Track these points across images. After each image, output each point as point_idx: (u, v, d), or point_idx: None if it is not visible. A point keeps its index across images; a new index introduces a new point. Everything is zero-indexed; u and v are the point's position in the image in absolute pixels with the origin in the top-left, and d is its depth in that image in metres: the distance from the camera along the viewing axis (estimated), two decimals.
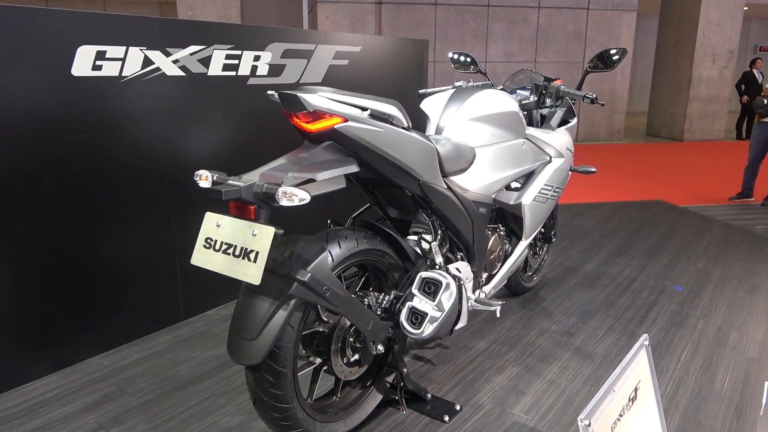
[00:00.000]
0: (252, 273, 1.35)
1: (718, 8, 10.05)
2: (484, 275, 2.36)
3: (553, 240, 3.06)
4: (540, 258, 3.10)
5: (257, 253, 1.36)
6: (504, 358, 2.40)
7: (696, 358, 2.41)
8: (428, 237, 1.95)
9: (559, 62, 9.81)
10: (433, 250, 1.93)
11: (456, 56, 2.84)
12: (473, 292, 2.18)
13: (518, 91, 2.75)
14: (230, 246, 1.40)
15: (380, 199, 2.01)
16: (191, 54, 2.54)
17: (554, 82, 2.61)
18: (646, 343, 1.56)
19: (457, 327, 2.01)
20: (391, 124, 1.68)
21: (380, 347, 1.80)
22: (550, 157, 2.60)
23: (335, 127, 1.52)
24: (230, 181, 1.40)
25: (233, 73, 2.74)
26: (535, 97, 2.62)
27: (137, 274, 2.51)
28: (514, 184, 2.51)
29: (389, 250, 1.84)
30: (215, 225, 1.44)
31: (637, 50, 15.82)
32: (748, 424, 1.97)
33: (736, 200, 5.62)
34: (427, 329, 1.79)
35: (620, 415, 1.38)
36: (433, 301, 1.80)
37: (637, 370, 1.50)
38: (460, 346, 2.49)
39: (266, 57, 2.87)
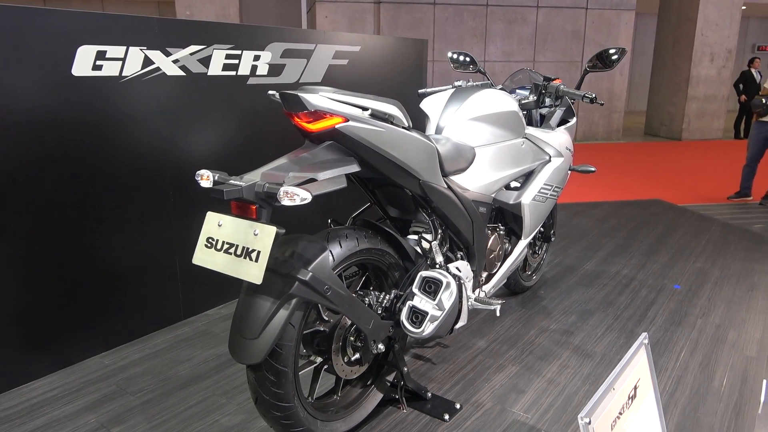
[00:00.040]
0: (253, 272, 1.36)
1: (717, 7, 10.07)
2: (484, 274, 2.36)
3: (553, 239, 3.07)
4: (539, 257, 3.11)
5: (259, 252, 1.36)
6: (504, 356, 2.41)
7: (695, 357, 2.42)
8: (428, 236, 1.96)
9: (558, 62, 9.82)
10: (434, 250, 1.94)
11: (455, 56, 2.85)
12: (473, 291, 2.19)
13: (517, 90, 2.76)
14: (232, 245, 1.41)
15: (380, 198, 2.02)
16: (191, 54, 2.54)
17: (553, 82, 2.62)
18: (646, 341, 1.56)
19: (458, 326, 2.02)
20: (392, 123, 1.69)
21: (381, 346, 1.81)
22: (550, 157, 2.60)
23: (336, 126, 1.52)
24: (232, 181, 1.40)
25: (233, 73, 2.75)
26: (535, 97, 2.63)
27: (137, 274, 2.52)
28: (513, 184, 2.52)
29: (390, 249, 1.84)
30: (217, 224, 1.45)
31: (635, 50, 15.84)
32: (746, 423, 1.98)
33: (735, 199, 5.63)
34: (428, 328, 1.79)
35: (620, 414, 1.39)
36: (434, 300, 1.81)
37: (636, 368, 1.50)
38: (460, 345, 2.50)
39: (266, 57, 2.87)
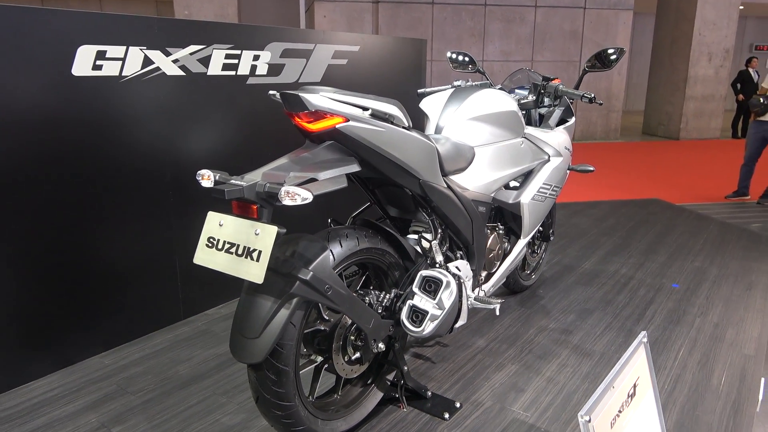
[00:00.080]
0: (255, 272, 1.36)
1: (714, 7, 10.09)
2: (484, 274, 2.37)
3: (552, 238, 3.08)
4: (538, 256, 3.12)
5: (260, 252, 1.37)
6: (503, 355, 2.42)
7: (693, 355, 2.43)
8: (428, 236, 1.97)
9: (556, 61, 9.83)
10: (434, 249, 1.94)
11: (455, 56, 2.86)
12: (473, 290, 2.20)
13: (516, 90, 2.77)
14: (233, 245, 1.41)
15: (380, 198, 2.02)
16: (191, 54, 2.54)
17: (553, 82, 2.63)
18: (645, 340, 1.57)
19: (457, 325, 2.03)
20: (392, 123, 1.69)
21: (381, 345, 1.82)
22: (549, 156, 2.61)
23: (337, 126, 1.53)
24: (233, 181, 1.41)
25: (233, 73, 2.75)
26: (534, 97, 2.63)
27: (137, 274, 2.52)
28: (512, 183, 2.53)
29: (390, 248, 1.85)
30: (218, 224, 1.45)
31: (633, 49, 15.86)
32: (745, 420, 1.99)
33: (732, 198, 5.65)
34: (428, 327, 1.80)
35: (619, 411, 1.40)
36: (434, 299, 1.82)
37: (636, 366, 1.51)
38: (460, 344, 2.50)
39: (265, 56, 2.87)
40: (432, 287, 1.84)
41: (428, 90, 2.54)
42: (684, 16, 10.32)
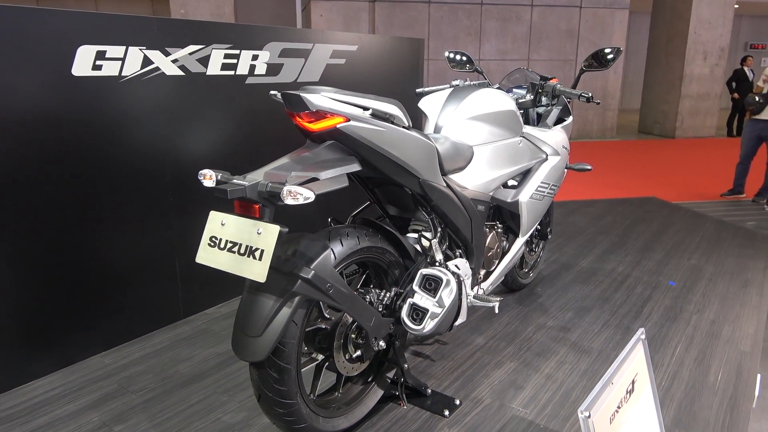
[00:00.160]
0: (257, 271, 1.38)
1: (710, 6, 10.13)
2: (482, 272, 2.39)
3: (549, 237, 3.10)
4: (536, 255, 3.14)
5: (262, 251, 1.38)
6: (502, 353, 2.43)
7: (690, 352, 2.45)
8: (428, 234, 1.98)
9: (552, 60, 9.86)
10: (433, 248, 1.96)
11: (452, 55, 2.87)
12: (472, 288, 2.21)
13: (514, 89, 2.78)
14: (235, 244, 1.42)
15: (380, 197, 2.04)
16: (190, 53, 2.55)
17: (550, 81, 2.65)
18: (643, 336, 1.59)
19: (457, 323, 2.04)
20: (392, 123, 1.71)
21: (382, 343, 1.83)
22: (547, 155, 2.63)
23: (337, 126, 1.54)
24: (235, 180, 1.42)
25: (232, 73, 2.76)
26: (532, 96, 2.65)
27: (137, 274, 2.52)
28: (511, 182, 2.54)
29: (390, 247, 1.86)
30: (220, 224, 1.46)
31: (629, 48, 15.90)
32: (741, 416, 2.02)
33: (728, 197, 5.69)
34: (428, 325, 1.81)
35: (618, 408, 1.42)
36: (434, 297, 1.83)
37: (634, 363, 1.53)
38: (459, 342, 2.52)
39: (264, 56, 2.88)
40: (432, 285, 1.85)
41: (427, 89, 2.55)
42: (679, 15, 10.36)
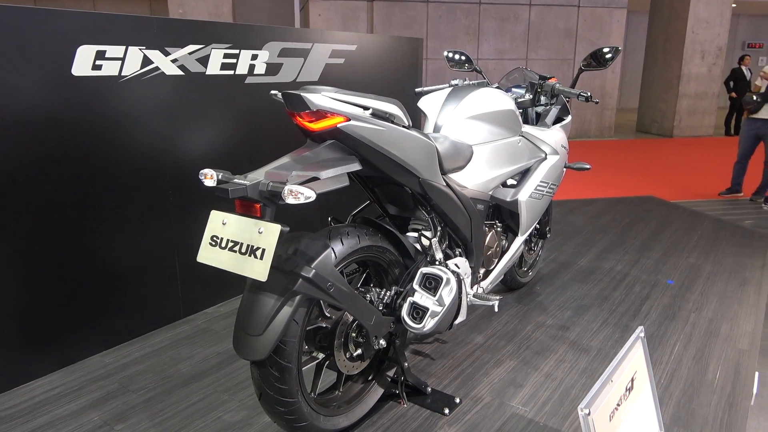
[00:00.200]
0: (258, 270, 1.38)
1: (707, 5, 10.16)
2: (482, 271, 2.40)
3: (548, 236, 3.11)
4: (535, 254, 3.14)
5: (263, 250, 1.38)
6: (501, 352, 2.44)
7: (688, 350, 2.46)
8: (428, 233, 1.99)
9: (551, 59, 9.87)
10: (433, 247, 1.96)
11: (451, 55, 2.88)
12: (471, 287, 2.22)
13: (513, 89, 2.79)
14: (236, 243, 1.43)
15: (380, 196, 2.04)
16: (190, 53, 2.55)
17: (549, 81, 2.66)
18: (642, 334, 1.60)
19: (457, 321, 2.05)
20: (393, 122, 1.71)
21: (382, 342, 1.84)
22: (546, 155, 2.64)
23: (338, 126, 1.55)
24: (236, 180, 1.43)
25: (231, 72, 2.76)
26: (531, 95, 2.66)
27: (137, 273, 2.53)
28: (510, 181, 2.55)
29: (390, 246, 1.87)
30: (221, 223, 1.47)
31: (627, 47, 15.94)
32: (739, 414, 2.03)
33: (726, 195, 5.70)
34: (429, 324, 1.82)
35: (618, 405, 1.43)
36: (434, 296, 1.84)
37: (633, 361, 1.54)
38: (459, 341, 2.53)
39: (263, 56, 2.88)
40: (432, 284, 1.86)
41: (426, 89, 2.56)
42: (677, 15, 10.38)
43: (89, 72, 2.22)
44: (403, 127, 1.75)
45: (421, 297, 1.85)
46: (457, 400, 2.06)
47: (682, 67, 10.34)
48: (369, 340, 1.81)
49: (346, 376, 1.95)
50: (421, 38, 3.99)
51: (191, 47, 2.55)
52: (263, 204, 1.41)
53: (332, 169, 1.51)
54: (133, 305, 2.53)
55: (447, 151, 1.99)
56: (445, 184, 1.96)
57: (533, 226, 2.66)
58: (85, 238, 2.32)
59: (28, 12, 2.03)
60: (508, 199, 2.46)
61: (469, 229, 2.11)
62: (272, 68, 2.95)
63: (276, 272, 1.50)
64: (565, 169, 2.81)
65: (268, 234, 1.38)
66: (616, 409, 1.41)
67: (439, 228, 2.01)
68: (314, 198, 1.35)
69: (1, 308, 2.10)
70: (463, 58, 2.85)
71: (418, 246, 1.99)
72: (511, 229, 2.59)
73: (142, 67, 2.39)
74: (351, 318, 1.80)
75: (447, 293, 1.85)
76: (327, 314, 1.78)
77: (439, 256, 1.97)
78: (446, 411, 2.00)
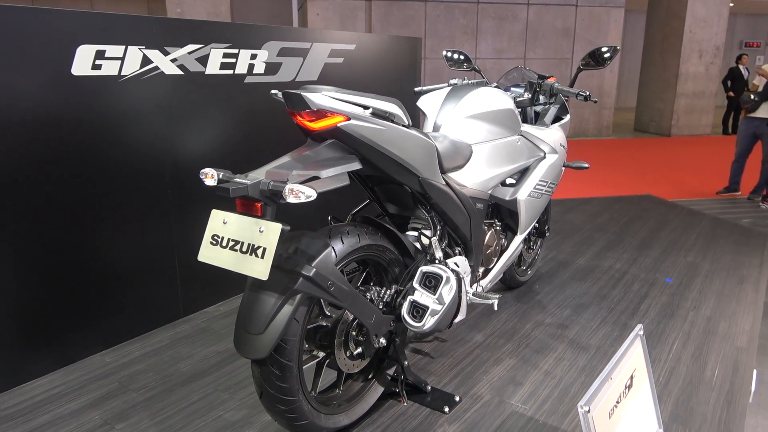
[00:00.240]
0: (259, 268, 1.39)
1: (705, 5, 10.18)
2: (481, 269, 2.40)
3: (547, 235, 3.11)
4: (534, 252, 3.15)
5: (264, 249, 1.39)
6: (501, 350, 2.45)
7: (687, 348, 2.47)
8: (428, 232, 1.99)
9: (548, 59, 9.88)
10: (433, 245, 1.97)
11: (450, 54, 2.88)
12: (471, 286, 2.22)
13: (512, 88, 2.80)
14: (237, 242, 1.43)
15: (380, 195, 2.05)
16: (189, 53, 2.55)
17: (548, 80, 2.66)
18: (641, 332, 1.61)
19: (457, 320, 2.06)
20: (393, 122, 1.72)
21: (382, 340, 1.84)
22: (545, 154, 2.64)
23: (338, 125, 1.55)
24: (236, 179, 1.43)
25: (230, 72, 2.76)
26: (529, 95, 2.67)
27: (137, 273, 2.53)
28: (509, 180, 2.56)
29: (390, 245, 1.87)
30: (222, 222, 1.47)
31: (624, 46, 15.96)
32: (737, 411, 2.04)
33: (724, 194, 5.72)
34: (429, 322, 1.83)
35: (617, 402, 1.43)
36: (434, 294, 1.84)
37: (632, 358, 1.55)
38: (458, 340, 2.53)
39: (262, 55, 2.89)
40: (432, 283, 1.86)
41: (425, 88, 2.56)
42: (675, 14, 10.40)
43: (89, 72, 2.22)
44: (403, 126, 1.75)
45: (421, 295, 1.85)
46: (457, 399, 2.07)
47: (679, 66, 10.35)
48: (369, 338, 1.82)
49: (347, 375, 1.95)
50: (419, 37, 3.99)
51: (191, 47, 2.55)
52: (264, 203, 1.42)
53: (333, 168, 1.52)
54: (133, 305, 2.53)
55: (446, 150, 2.00)
56: (444, 183, 1.97)
57: (532, 225, 2.67)
58: (85, 238, 2.32)
59: (28, 12, 2.03)
60: (507, 198, 2.46)
61: (469, 228, 2.12)
62: (271, 68, 2.95)
63: (277, 271, 1.50)
64: (563, 168, 2.81)
65: (268, 233, 1.39)
66: (616, 406, 1.42)
67: (438, 227, 2.02)
68: (315, 197, 1.35)
69: (1, 308, 2.10)
70: (462, 57, 2.86)
71: (417, 245, 1.99)
72: (510, 228, 2.59)
73: (141, 67, 2.39)
74: (351, 317, 1.81)
75: (447, 292, 1.86)
76: (327, 313, 1.78)
77: (438, 254, 1.98)
78: (446, 409, 2.01)
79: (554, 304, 2.91)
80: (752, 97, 5.34)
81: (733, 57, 12.07)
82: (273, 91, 1.74)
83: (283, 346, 1.55)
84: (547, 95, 2.67)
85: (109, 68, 2.28)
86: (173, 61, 2.50)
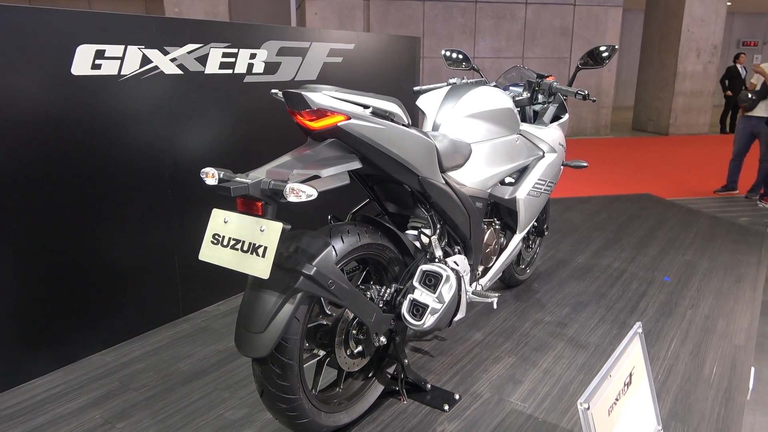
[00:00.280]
0: (260, 267, 1.39)
1: (702, 4, 10.19)
2: (480, 268, 2.41)
3: (546, 233, 3.12)
4: (533, 251, 3.16)
5: (265, 248, 1.39)
6: (500, 348, 2.46)
7: (685, 346, 2.48)
8: (427, 231, 2.00)
9: (546, 58, 9.89)
10: (433, 244, 1.98)
11: (449, 53, 2.89)
12: (470, 284, 2.23)
13: (511, 87, 2.81)
14: (238, 241, 1.44)
15: (379, 194, 2.06)
16: (188, 52, 2.55)
17: (547, 79, 2.67)
18: (640, 330, 1.62)
19: (456, 318, 2.07)
20: (392, 121, 1.72)
21: (383, 339, 1.85)
22: (543, 153, 2.65)
23: (338, 124, 1.56)
24: (237, 178, 1.44)
25: (230, 71, 2.77)
26: (528, 94, 2.67)
27: (137, 272, 2.53)
28: (508, 179, 2.57)
29: (390, 244, 1.88)
30: (222, 221, 1.48)
31: (622, 45, 15.98)
32: (735, 408, 2.05)
33: (721, 193, 5.74)
34: (429, 321, 1.84)
35: (616, 400, 1.44)
36: (434, 293, 1.85)
37: (631, 356, 1.56)
38: (458, 338, 2.54)
39: (262, 55, 2.89)
40: (432, 281, 1.87)
41: (424, 87, 2.57)
42: (672, 13, 10.41)
43: (88, 71, 2.23)
44: (403, 125, 1.76)
45: (420, 294, 1.86)
46: (457, 397, 2.08)
47: (677, 65, 10.37)
48: (369, 337, 1.82)
49: (347, 373, 1.96)
50: (418, 37, 4.00)
51: (190, 46, 2.55)
52: (265, 202, 1.42)
53: (333, 168, 1.52)
54: (133, 304, 2.54)
55: (446, 149, 2.01)
56: (444, 182, 1.97)
57: (531, 224, 2.67)
58: (85, 237, 2.32)
59: (28, 12, 2.03)
60: (506, 197, 2.47)
61: (468, 227, 2.13)
62: (271, 67, 2.96)
63: (277, 270, 1.51)
64: (562, 167, 2.82)
65: (269, 232, 1.39)
66: (615, 403, 1.43)
67: (438, 226, 2.02)
68: (316, 196, 1.36)
69: (1, 308, 2.11)
70: (460, 56, 2.87)
71: (417, 244, 2.00)
72: (509, 227, 2.60)
73: (141, 67, 2.39)
74: (351, 315, 1.81)
75: (446, 290, 1.87)
76: (328, 312, 1.79)
77: (438, 253, 1.99)
78: (446, 407, 2.02)
79: (553, 303, 2.92)
80: (750, 96, 5.35)
81: (731, 56, 12.10)
82: (273, 91, 1.75)
83: (284, 344, 1.55)
84: (545, 94, 2.68)
85: (108, 68, 2.29)
86: (173, 60, 2.50)
